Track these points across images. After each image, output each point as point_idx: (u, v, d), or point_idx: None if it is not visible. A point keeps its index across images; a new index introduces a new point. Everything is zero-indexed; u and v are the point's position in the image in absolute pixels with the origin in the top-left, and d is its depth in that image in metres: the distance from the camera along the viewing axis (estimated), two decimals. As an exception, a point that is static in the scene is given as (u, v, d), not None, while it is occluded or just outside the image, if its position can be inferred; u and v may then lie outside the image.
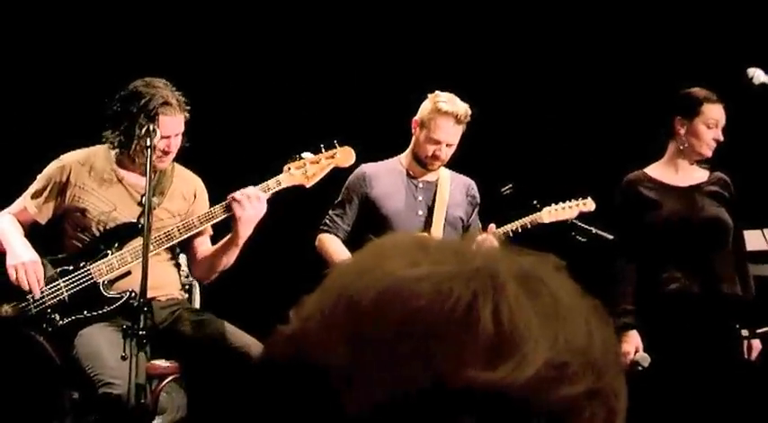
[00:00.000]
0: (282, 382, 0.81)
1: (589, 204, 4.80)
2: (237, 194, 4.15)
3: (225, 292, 4.61)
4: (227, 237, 4.27)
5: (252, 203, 4.13)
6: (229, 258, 4.31)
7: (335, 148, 4.37)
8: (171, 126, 4.14)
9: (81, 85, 5.38)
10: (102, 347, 3.94)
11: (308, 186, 4.34)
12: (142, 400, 3.54)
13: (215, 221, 4.25)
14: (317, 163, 4.32)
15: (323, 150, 4.34)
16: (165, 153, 4.17)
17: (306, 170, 4.29)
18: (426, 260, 0.80)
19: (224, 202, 4.21)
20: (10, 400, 1.41)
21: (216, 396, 4.20)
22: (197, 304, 4.62)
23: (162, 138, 4.11)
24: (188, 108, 4.21)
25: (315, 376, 0.78)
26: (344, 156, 4.40)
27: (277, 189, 4.24)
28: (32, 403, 1.44)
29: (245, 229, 4.18)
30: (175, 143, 4.20)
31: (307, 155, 4.31)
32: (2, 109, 5.44)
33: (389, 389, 0.75)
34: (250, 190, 4.17)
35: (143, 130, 4.03)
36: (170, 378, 4.24)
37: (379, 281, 0.78)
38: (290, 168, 4.29)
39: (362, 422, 0.74)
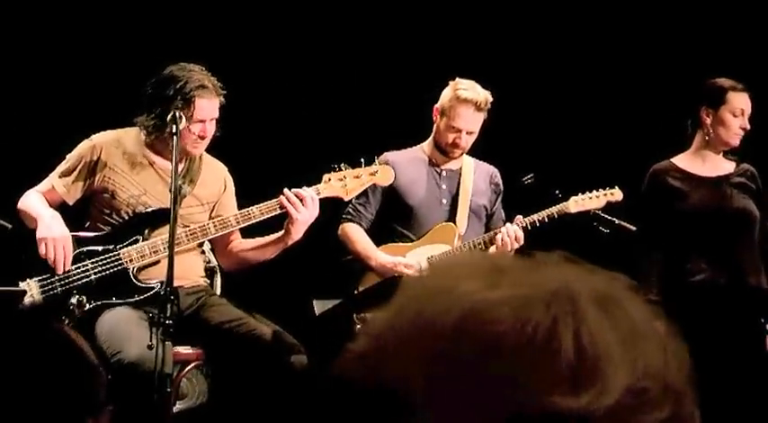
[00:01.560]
0: (355, 401, 0.81)
1: (617, 194, 4.75)
2: (292, 195, 4.13)
3: (245, 278, 4.61)
4: (277, 235, 4.26)
5: (307, 205, 4.13)
6: (270, 255, 4.33)
7: (375, 162, 4.36)
8: (207, 109, 4.11)
9: (110, 68, 5.37)
10: (123, 327, 3.95)
11: (345, 199, 4.36)
12: (168, 389, 3.55)
13: (252, 222, 4.24)
14: (358, 178, 4.32)
15: (362, 165, 4.33)
16: (201, 138, 4.14)
17: (345, 183, 4.30)
18: (504, 282, 0.79)
19: (266, 203, 4.18)
20: (42, 395, 1.41)
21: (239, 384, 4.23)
22: (218, 290, 4.62)
23: (197, 122, 4.09)
24: (223, 93, 4.19)
25: (390, 396, 0.77)
26: (384, 174, 4.41)
27: (316, 198, 4.21)
28: (66, 397, 1.44)
29: (298, 232, 4.18)
30: (210, 128, 4.17)
31: (345, 166, 4.29)
32: (31, 91, 5.43)
33: (468, 413, 0.74)
34: (305, 191, 4.16)
35: (170, 116, 4.00)
36: (192, 364, 4.25)
37: (458, 303, 0.77)
38: (330, 179, 4.28)
39: None
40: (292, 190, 4.17)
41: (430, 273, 0.85)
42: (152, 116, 4.16)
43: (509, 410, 0.73)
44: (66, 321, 3.93)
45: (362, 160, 4.34)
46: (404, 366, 0.76)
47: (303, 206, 4.13)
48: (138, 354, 3.69)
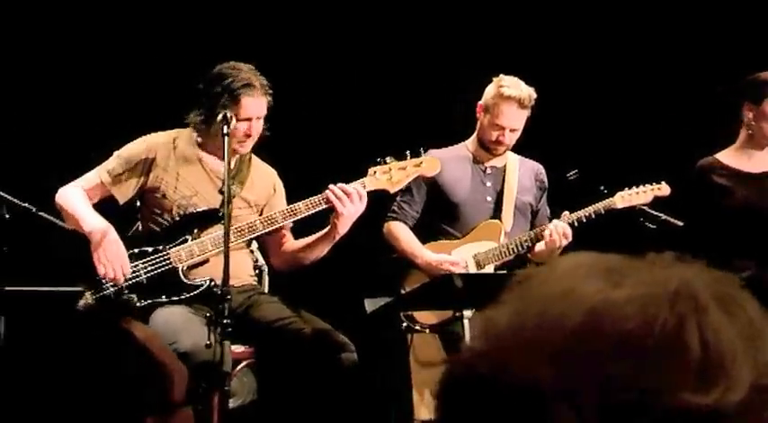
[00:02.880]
0: (478, 399, 0.83)
1: (664, 189, 4.72)
2: (338, 190, 4.15)
3: (293, 276, 4.64)
4: (323, 231, 4.28)
5: (353, 200, 4.15)
6: (320, 252, 4.33)
7: (421, 155, 4.37)
8: (253, 108, 4.13)
9: (164, 68, 5.43)
10: (176, 321, 3.99)
11: (392, 192, 4.37)
12: (226, 387, 3.59)
13: (298, 218, 4.26)
14: (404, 169, 4.33)
15: (408, 157, 4.34)
16: (247, 136, 4.16)
17: (391, 176, 4.30)
18: (626, 281, 0.81)
19: (312, 198, 4.20)
20: (106, 393, 1.43)
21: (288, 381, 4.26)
22: (266, 289, 4.66)
23: (243, 120, 4.12)
24: (270, 92, 4.21)
25: (520, 392, 0.79)
26: (430, 165, 4.40)
27: (363, 192, 4.22)
28: (133, 396, 1.46)
29: (344, 226, 4.19)
30: (257, 127, 4.19)
31: (390, 160, 4.31)
32: (82, 90, 5.50)
33: (597, 409, 0.76)
34: (351, 186, 4.18)
35: (220, 116, 4.04)
36: (244, 363, 4.29)
37: (582, 303, 0.80)
38: (375, 172, 4.29)
39: None
40: (338, 185, 4.19)
41: (546, 275, 0.87)
42: (200, 114, 4.20)
43: (638, 408, 0.75)
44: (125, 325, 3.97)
45: (407, 153, 4.35)
46: (532, 364, 0.79)
47: (349, 200, 4.15)
48: (192, 344, 3.73)
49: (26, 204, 3.87)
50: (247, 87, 4.11)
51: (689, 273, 0.83)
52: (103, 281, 4.06)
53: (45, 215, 3.92)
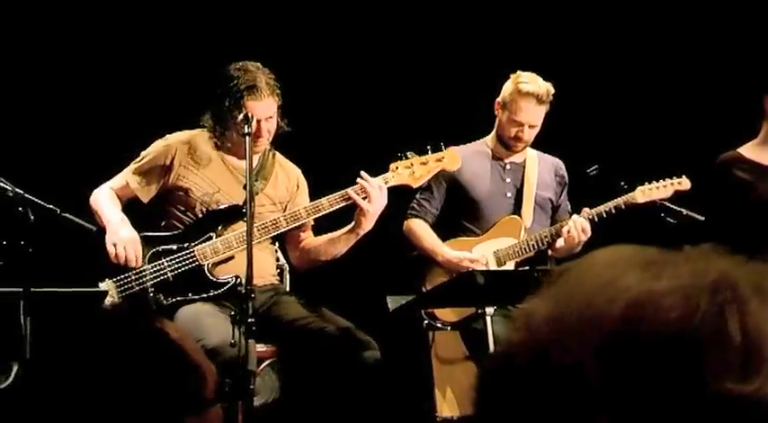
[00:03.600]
0: (516, 390, 0.84)
1: (684, 183, 4.69)
2: (360, 186, 4.17)
3: (314, 275, 4.65)
4: (346, 228, 4.30)
5: (375, 195, 4.16)
6: (342, 248, 4.35)
7: (442, 150, 4.38)
8: (258, 110, 4.13)
9: (185, 68, 5.45)
10: (202, 318, 4.03)
11: (414, 187, 4.38)
12: (252, 386, 3.60)
13: (321, 214, 4.28)
14: (425, 164, 4.34)
15: (429, 152, 4.35)
16: (257, 136, 4.18)
17: (413, 171, 4.32)
18: (666, 273, 0.82)
19: (335, 195, 4.22)
20: (139, 393, 1.44)
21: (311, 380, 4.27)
22: (287, 288, 4.67)
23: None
24: (279, 91, 4.22)
25: (557, 384, 0.80)
26: (451, 159, 4.42)
27: (384, 188, 4.24)
28: (166, 395, 1.47)
29: (368, 222, 4.21)
30: (266, 127, 4.20)
31: (412, 155, 4.32)
32: (105, 90, 5.53)
33: (641, 397, 0.77)
34: (374, 181, 4.19)
35: (240, 117, 4.05)
36: (266, 362, 4.30)
37: (623, 294, 0.81)
38: (397, 167, 4.31)
39: None
40: (360, 180, 4.20)
41: (585, 268, 0.87)
42: (208, 115, 4.24)
43: (682, 397, 0.76)
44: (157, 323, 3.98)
45: (429, 148, 4.36)
46: (574, 355, 0.80)
47: (372, 196, 4.16)
48: (218, 341, 3.76)
49: (50, 206, 3.90)
50: (250, 90, 4.13)
51: (727, 264, 0.84)
52: (127, 280, 4.11)
53: (69, 216, 3.96)
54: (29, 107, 5.44)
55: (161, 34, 5.60)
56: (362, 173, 4.20)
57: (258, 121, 4.13)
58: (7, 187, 3.85)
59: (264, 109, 4.17)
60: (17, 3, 5.51)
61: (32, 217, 3.81)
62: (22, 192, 3.85)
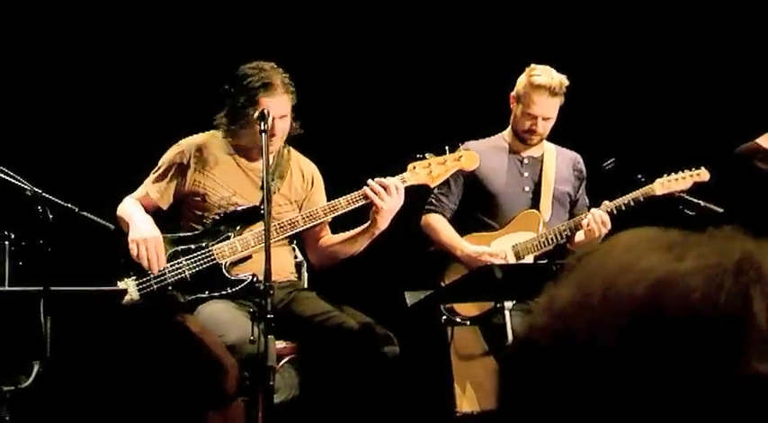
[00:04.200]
0: (539, 371, 0.84)
1: (703, 174, 4.67)
2: (376, 185, 4.17)
3: (332, 271, 4.65)
4: (363, 226, 4.31)
5: (391, 194, 4.16)
6: (359, 247, 4.36)
7: (460, 150, 4.38)
8: (272, 107, 4.13)
9: (199, 72, 5.47)
10: (221, 315, 4.04)
11: (431, 186, 4.38)
12: (271, 383, 3.61)
13: (338, 213, 4.29)
14: (443, 164, 4.35)
15: (447, 152, 4.36)
16: (270, 135, 4.18)
17: (431, 170, 4.33)
18: (689, 254, 0.82)
19: (352, 194, 4.23)
20: (160, 388, 1.44)
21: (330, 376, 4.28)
22: (305, 284, 4.68)
23: None
24: (293, 90, 4.23)
25: (585, 361, 0.80)
26: (469, 159, 4.43)
27: (401, 187, 4.24)
28: (188, 390, 1.47)
29: (384, 221, 4.22)
30: (280, 126, 4.21)
31: (429, 155, 4.33)
32: (122, 96, 5.56)
33: (664, 377, 0.77)
34: (389, 181, 4.20)
35: (256, 114, 4.06)
36: (285, 359, 4.31)
37: (646, 275, 0.80)
38: (414, 167, 4.31)
39: (639, 405, 0.77)
40: (377, 179, 4.21)
41: (607, 251, 0.87)
42: (222, 114, 4.25)
43: (705, 376, 0.76)
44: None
45: (447, 148, 4.36)
46: (598, 335, 0.79)
47: (388, 195, 4.16)
48: (238, 337, 3.76)
49: (68, 204, 3.92)
50: (265, 87, 4.14)
51: (750, 244, 0.84)
52: (146, 278, 4.12)
53: (87, 214, 3.97)
54: (46, 107, 5.47)
55: (175, 37, 5.62)
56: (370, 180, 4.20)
57: (273, 119, 4.14)
58: (26, 187, 3.86)
59: (279, 106, 4.18)
60: (36, 8, 5.53)
61: (51, 216, 3.82)
62: (40, 191, 3.86)
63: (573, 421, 0.79)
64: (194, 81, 5.36)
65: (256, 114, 4.06)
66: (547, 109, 4.64)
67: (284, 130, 4.24)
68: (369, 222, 4.27)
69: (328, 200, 4.41)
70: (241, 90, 4.15)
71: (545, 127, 4.69)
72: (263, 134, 3.96)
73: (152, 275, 4.16)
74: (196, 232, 4.29)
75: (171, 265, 4.20)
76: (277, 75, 4.19)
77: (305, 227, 4.28)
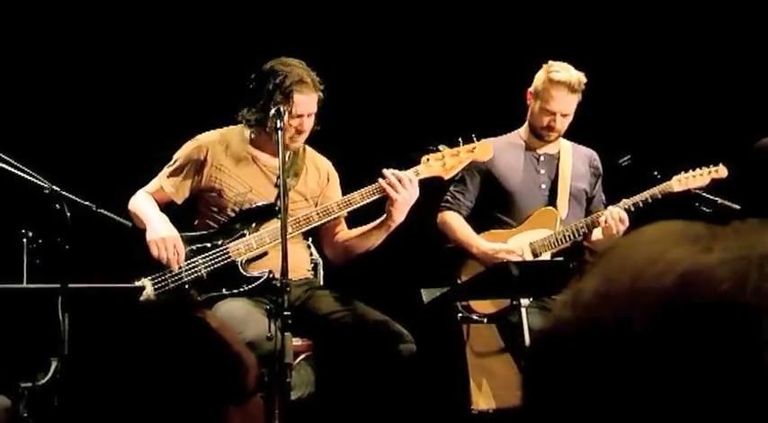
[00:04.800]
0: (564, 363, 0.84)
1: (721, 171, 4.65)
2: (391, 178, 4.17)
3: (348, 268, 4.66)
4: (378, 220, 4.30)
5: (405, 186, 4.16)
6: (375, 241, 4.35)
7: (474, 141, 4.37)
8: (305, 105, 4.16)
9: (215, 67, 5.48)
10: (239, 312, 4.04)
11: (446, 178, 4.38)
12: (288, 379, 3.62)
13: (353, 208, 4.29)
14: (457, 155, 4.34)
15: (461, 143, 4.35)
16: (298, 132, 4.19)
17: (445, 162, 4.32)
18: (716, 246, 0.82)
19: (366, 188, 4.23)
20: (180, 383, 1.45)
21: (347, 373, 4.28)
22: (321, 282, 4.69)
23: (296, 117, 4.15)
24: (322, 88, 4.24)
25: (607, 355, 0.80)
26: (483, 150, 4.41)
27: (415, 179, 4.24)
28: (207, 385, 1.48)
29: (400, 214, 4.21)
30: (308, 123, 4.22)
31: (443, 147, 4.32)
32: (138, 90, 5.58)
33: (694, 371, 0.77)
34: (403, 173, 4.20)
35: (273, 111, 4.07)
36: (302, 356, 4.32)
37: (673, 267, 0.80)
38: (428, 159, 4.31)
39: (668, 390, 0.77)
40: (390, 170, 4.20)
41: (632, 243, 0.87)
42: (253, 110, 4.23)
43: (733, 369, 0.76)
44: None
45: (460, 139, 4.35)
46: (625, 327, 0.79)
47: (402, 188, 4.16)
48: (255, 334, 3.77)
49: (86, 202, 3.93)
50: (299, 84, 4.15)
51: None
52: (163, 277, 4.14)
53: (105, 212, 3.99)
54: (63, 105, 5.50)
55: (191, 36, 5.64)
56: (386, 170, 4.20)
57: (301, 116, 4.15)
58: (44, 185, 3.88)
59: (311, 104, 4.20)
60: (54, 8, 5.55)
61: (69, 214, 3.84)
62: (58, 189, 3.88)
63: (601, 411, 0.79)
64: (210, 78, 5.38)
65: (272, 112, 4.06)
66: (565, 105, 4.63)
67: (311, 127, 4.25)
68: (384, 216, 4.27)
69: (343, 195, 4.41)
70: (274, 87, 4.14)
71: (563, 123, 4.68)
72: (279, 131, 3.97)
73: (169, 274, 4.18)
74: (211, 231, 4.30)
75: (187, 264, 4.21)
76: (308, 72, 4.21)
77: (320, 222, 4.28)
